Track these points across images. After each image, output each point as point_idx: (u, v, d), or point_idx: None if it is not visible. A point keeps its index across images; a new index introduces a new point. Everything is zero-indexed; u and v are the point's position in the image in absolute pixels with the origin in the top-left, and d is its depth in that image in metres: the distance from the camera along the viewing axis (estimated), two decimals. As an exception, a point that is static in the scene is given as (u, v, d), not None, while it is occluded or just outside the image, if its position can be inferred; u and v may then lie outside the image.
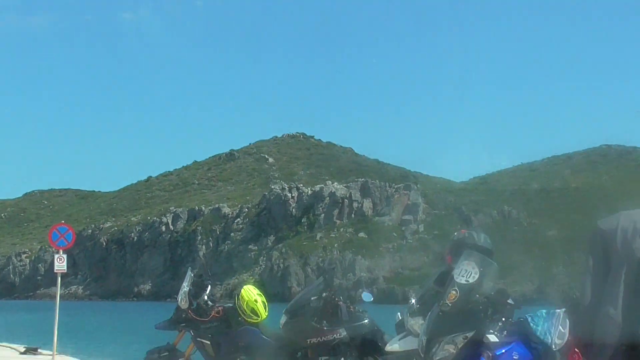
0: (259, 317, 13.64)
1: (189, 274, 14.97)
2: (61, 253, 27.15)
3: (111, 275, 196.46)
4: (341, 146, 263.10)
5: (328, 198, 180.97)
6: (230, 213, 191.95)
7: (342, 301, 13.26)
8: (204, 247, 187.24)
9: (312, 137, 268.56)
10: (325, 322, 12.93)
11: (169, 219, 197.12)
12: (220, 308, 14.16)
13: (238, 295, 13.99)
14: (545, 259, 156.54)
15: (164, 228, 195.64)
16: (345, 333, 12.91)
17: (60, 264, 27.03)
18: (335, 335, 12.88)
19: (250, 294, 13.91)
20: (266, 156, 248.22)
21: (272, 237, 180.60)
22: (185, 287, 14.62)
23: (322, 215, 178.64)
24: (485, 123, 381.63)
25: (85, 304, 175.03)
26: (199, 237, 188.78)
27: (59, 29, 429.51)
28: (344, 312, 13.04)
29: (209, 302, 14.38)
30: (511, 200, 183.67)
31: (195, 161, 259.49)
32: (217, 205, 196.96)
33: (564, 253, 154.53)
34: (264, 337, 13.57)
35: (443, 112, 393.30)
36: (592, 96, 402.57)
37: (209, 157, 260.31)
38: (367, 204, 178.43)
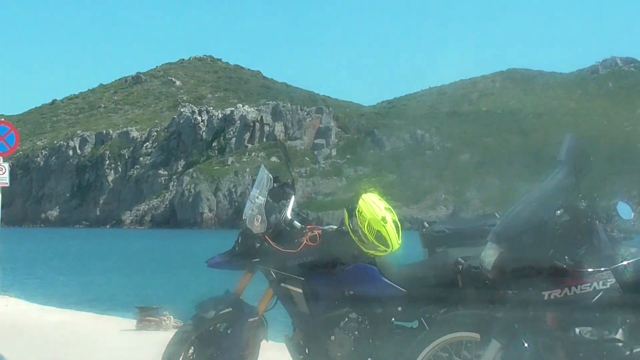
0: (388, 247, 7.02)
1: (264, 174, 7.53)
2: (1, 161, 20.65)
3: (17, 201, 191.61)
4: (249, 69, 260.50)
5: (239, 122, 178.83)
6: (139, 137, 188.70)
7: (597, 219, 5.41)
8: (112, 172, 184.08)
9: (220, 60, 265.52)
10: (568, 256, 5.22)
11: (76, 143, 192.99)
12: (317, 232, 7.29)
13: (353, 211, 6.99)
14: (459, 183, 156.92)
15: (71, 152, 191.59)
16: (613, 280, 5.28)
17: (2, 175, 20.63)
18: (596, 284, 5.24)
19: (375, 208, 6.98)
20: (173, 79, 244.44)
21: (182, 162, 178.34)
22: (259, 196, 7.48)
23: (233, 139, 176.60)
24: (393, 45, 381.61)
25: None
26: (107, 162, 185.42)
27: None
28: (604, 240, 5.40)
29: (297, 223, 7.53)
30: (423, 123, 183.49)
31: (102, 84, 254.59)
32: (125, 129, 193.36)
33: (477, 177, 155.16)
34: (387, 281, 7.03)
35: (351, 33, 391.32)
36: (500, 21, 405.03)
37: (115, 80, 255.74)
38: (279, 128, 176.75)
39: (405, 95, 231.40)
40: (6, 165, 20.94)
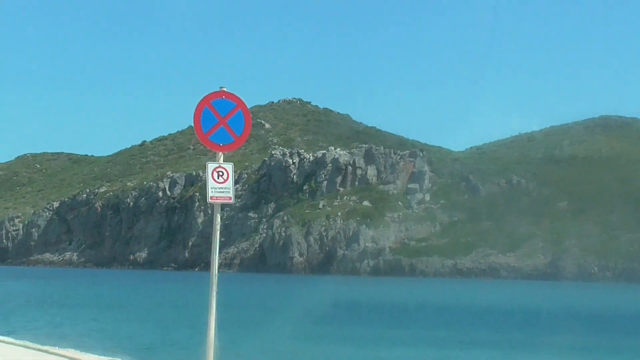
0: None
1: None
2: (221, 160, 15.21)
3: (106, 242, 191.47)
4: (338, 112, 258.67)
5: (331, 165, 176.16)
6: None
7: None
8: (201, 214, 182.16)
9: (309, 103, 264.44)
10: None
11: (166, 184, 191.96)
12: None
13: None
14: (557, 231, 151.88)
15: (160, 194, 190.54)
16: None
17: (222, 184, 15.10)
18: None
19: None
20: (262, 122, 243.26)
21: (272, 205, 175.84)
22: None
23: (325, 182, 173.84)
24: (483, 93, 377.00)
25: (79, 271, 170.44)
26: (197, 204, 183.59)
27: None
28: None
29: None
30: (517, 169, 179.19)
31: (190, 126, 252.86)
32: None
33: (576, 225, 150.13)
34: None
35: (443, 81, 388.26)
36: (592, 67, 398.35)
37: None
38: (372, 171, 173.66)
39: (494, 142, 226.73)
40: (229, 167, 15.20)
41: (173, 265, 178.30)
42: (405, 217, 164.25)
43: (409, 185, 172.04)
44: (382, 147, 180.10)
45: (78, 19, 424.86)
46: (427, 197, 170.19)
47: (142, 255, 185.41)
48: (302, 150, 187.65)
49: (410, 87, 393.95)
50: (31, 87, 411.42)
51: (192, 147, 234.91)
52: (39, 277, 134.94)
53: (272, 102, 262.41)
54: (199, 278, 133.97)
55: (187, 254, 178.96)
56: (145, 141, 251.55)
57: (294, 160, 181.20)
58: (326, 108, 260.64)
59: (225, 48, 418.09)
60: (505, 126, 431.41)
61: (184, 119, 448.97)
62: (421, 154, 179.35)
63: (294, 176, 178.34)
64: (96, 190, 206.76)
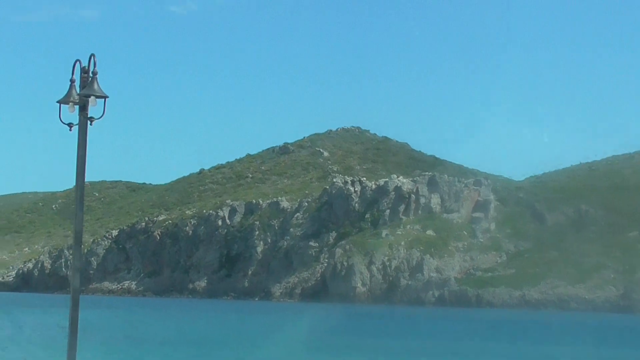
0: None
1: None
2: None
3: (165, 271, 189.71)
4: (397, 141, 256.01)
5: (393, 193, 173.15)
6: (289, 207, 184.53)
7: None
8: (261, 242, 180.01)
9: (368, 131, 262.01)
10: None
11: (225, 212, 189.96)
12: None
13: None
14: (629, 261, 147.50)
15: (220, 222, 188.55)
16: None
17: None
18: None
19: None
20: (321, 150, 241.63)
21: (333, 234, 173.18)
22: None
23: (387, 210, 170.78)
24: (541, 121, 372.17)
25: (140, 300, 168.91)
26: (257, 232, 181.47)
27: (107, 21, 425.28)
28: None
29: None
30: (584, 198, 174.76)
31: (249, 154, 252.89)
32: (275, 199, 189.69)
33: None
34: None
35: (503, 110, 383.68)
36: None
37: (263, 150, 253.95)
38: (435, 200, 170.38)
39: (554, 171, 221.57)
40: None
41: (232, 294, 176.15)
42: (470, 246, 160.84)
43: (473, 214, 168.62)
44: (445, 175, 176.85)
45: (136, 47, 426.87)
46: (493, 226, 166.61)
47: (202, 284, 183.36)
48: (364, 179, 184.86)
49: (468, 116, 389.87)
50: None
51: (250, 176, 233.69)
52: (115, 307, 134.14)
53: (330, 130, 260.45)
54: (270, 308, 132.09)
55: (246, 283, 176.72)
56: (203, 169, 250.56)
57: (356, 189, 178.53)
58: (384, 136, 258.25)
59: (281, 76, 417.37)
60: (564, 155, 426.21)
61: (242, 147, 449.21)
62: (486, 182, 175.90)
63: (356, 204, 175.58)
64: (155, 218, 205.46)
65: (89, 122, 15.85)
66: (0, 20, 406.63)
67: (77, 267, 15.74)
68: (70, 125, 16.20)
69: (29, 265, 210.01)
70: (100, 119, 15.86)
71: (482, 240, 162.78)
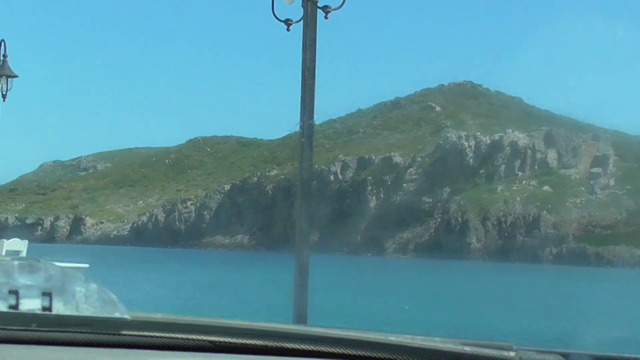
0: None
1: None
2: None
3: (277, 225, 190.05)
4: (510, 95, 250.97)
5: (508, 148, 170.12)
6: (402, 162, 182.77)
7: None
8: (374, 197, 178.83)
9: (480, 85, 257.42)
10: None
11: (337, 167, 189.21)
12: None
13: None
14: None
15: (332, 177, 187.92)
16: None
17: None
18: None
19: None
20: (433, 104, 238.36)
21: (447, 189, 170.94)
22: None
23: (503, 166, 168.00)
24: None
25: (252, 255, 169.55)
26: (369, 188, 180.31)
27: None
28: None
29: None
30: None
31: (360, 109, 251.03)
32: (387, 154, 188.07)
33: None
34: None
35: (617, 63, 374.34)
36: None
37: (374, 105, 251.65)
38: (552, 155, 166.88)
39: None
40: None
41: (345, 249, 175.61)
42: (589, 202, 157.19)
43: (591, 170, 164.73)
44: (562, 130, 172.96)
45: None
46: (612, 182, 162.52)
47: (314, 238, 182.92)
48: (478, 133, 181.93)
49: (588, 71, 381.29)
50: (200, 73, 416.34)
51: (361, 130, 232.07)
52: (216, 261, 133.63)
53: (442, 85, 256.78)
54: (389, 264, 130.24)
55: (358, 238, 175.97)
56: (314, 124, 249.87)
57: (470, 144, 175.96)
58: (497, 91, 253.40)
59: (393, 31, 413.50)
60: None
61: (353, 102, 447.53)
62: (605, 137, 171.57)
63: (470, 159, 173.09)
64: (267, 173, 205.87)
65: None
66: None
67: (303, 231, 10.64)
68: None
69: (143, 218, 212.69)
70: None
71: (600, 196, 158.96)
